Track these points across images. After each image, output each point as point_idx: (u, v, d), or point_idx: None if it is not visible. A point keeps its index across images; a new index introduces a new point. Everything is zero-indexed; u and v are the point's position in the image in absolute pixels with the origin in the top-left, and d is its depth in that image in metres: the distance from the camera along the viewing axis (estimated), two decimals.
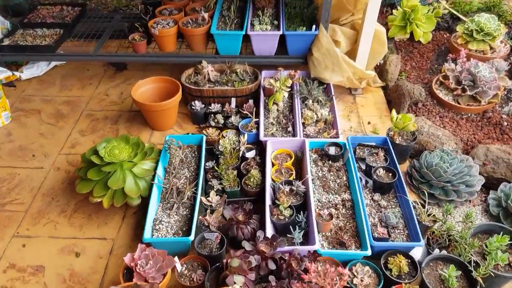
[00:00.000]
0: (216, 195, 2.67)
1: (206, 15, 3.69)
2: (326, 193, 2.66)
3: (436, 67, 3.87)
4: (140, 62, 4.18)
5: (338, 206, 2.58)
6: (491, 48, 3.85)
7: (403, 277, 2.18)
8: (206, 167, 2.91)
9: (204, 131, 3.24)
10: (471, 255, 2.16)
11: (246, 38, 3.62)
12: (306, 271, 2.12)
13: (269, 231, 2.32)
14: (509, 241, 2.21)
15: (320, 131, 3.13)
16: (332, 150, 2.85)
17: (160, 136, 3.38)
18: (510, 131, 3.16)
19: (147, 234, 2.38)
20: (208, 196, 2.66)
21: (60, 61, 4.24)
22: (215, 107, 3.45)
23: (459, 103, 3.34)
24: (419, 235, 2.30)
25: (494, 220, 2.69)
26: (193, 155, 3.03)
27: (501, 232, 2.27)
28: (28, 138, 3.42)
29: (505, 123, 3.22)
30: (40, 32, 4.04)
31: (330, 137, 3.01)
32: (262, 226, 2.40)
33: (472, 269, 2.07)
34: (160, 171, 2.77)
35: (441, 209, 2.71)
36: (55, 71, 4.22)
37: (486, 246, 2.22)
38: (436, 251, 2.25)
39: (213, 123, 3.36)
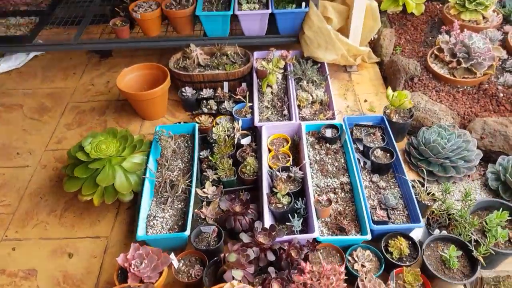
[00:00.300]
0: (212, 185, 2.61)
1: None
2: (325, 177, 2.61)
3: (430, 39, 3.77)
4: (125, 48, 4.04)
5: (337, 190, 2.53)
6: (483, 17, 3.75)
7: (404, 259, 2.17)
8: (201, 156, 2.84)
9: (196, 119, 3.16)
10: (471, 233, 2.14)
11: (235, 18, 3.49)
12: (306, 259, 2.10)
13: (268, 221, 2.28)
14: (508, 216, 2.18)
15: (316, 112, 3.05)
16: (328, 133, 2.79)
17: (151, 125, 3.29)
18: (506, 102, 3.11)
19: (140, 232, 2.32)
20: (204, 188, 2.60)
21: (39, 51, 4.07)
22: (207, 92, 3.35)
23: (454, 76, 3.27)
24: (419, 216, 2.27)
25: (493, 194, 2.67)
26: (186, 144, 2.96)
27: (501, 208, 2.25)
28: (11, 135, 3.30)
29: (501, 95, 3.16)
30: (13, 21, 3.83)
31: (327, 119, 2.94)
32: (260, 216, 2.36)
33: (473, 249, 2.05)
34: (151, 164, 2.69)
35: (440, 187, 2.68)
36: (35, 62, 4.05)
37: (486, 223, 2.20)
38: (436, 231, 2.23)
39: (205, 110, 3.27)
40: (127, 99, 3.29)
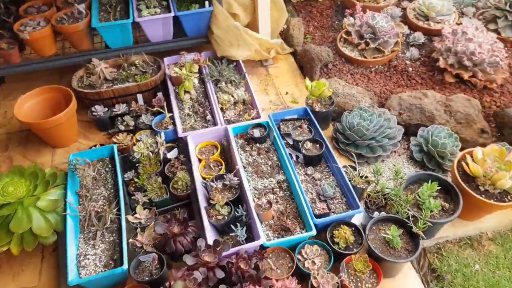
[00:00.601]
0: (144, 209, 2.42)
1: (82, 7, 3.22)
2: (261, 178, 2.54)
3: (337, 23, 3.86)
4: (19, 73, 3.60)
5: (275, 190, 2.48)
6: None
7: (351, 247, 2.18)
8: (126, 179, 2.62)
9: (114, 138, 2.92)
10: (408, 210, 2.21)
11: (138, 25, 3.26)
12: (257, 268, 2.02)
13: (210, 236, 2.15)
14: (437, 186, 2.29)
15: (241, 113, 2.97)
16: (256, 132, 2.72)
17: (65, 152, 2.97)
18: (416, 75, 3.28)
19: (71, 276, 2.07)
20: (135, 213, 2.40)
21: None
22: (120, 108, 3.10)
23: (365, 57, 3.38)
24: (357, 202, 2.30)
25: (419, 165, 2.80)
26: (107, 169, 2.71)
27: (429, 180, 2.35)
28: None
29: (410, 69, 3.33)
30: None
31: (252, 118, 2.87)
32: (202, 231, 2.23)
33: (412, 225, 2.11)
34: (71, 198, 2.42)
35: (371, 167, 2.76)
36: None
37: (419, 197, 2.28)
38: (376, 213, 2.27)
39: (122, 127, 3.02)
40: (30, 129, 2.93)
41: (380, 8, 3.74)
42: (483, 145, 2.86)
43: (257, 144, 2.72)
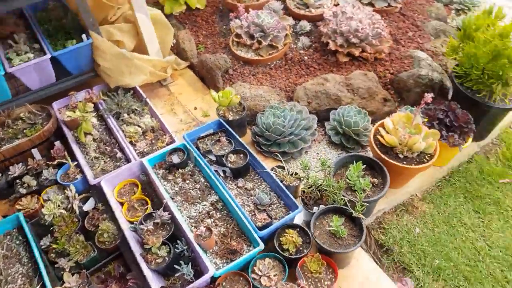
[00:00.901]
0: (73, 274, 2.14)
1: None
2: (193, 205, 2.40)
3: (225, 28, 3.82)
4: None
5: (211, 213, 2.35)
6: None
7: (301, 249, 2.15)
8: (43, 247, 2.31)
9: (17, 205, 2.56)
10: (343, 196, 2.24)
11: (13, 75, 2.88)
12: None
13: (155, 285, 1.97)
14: (363, 165, 2.35)
15: (153, 141, 2.78)
16: (175, 158, 2.56)
17: None
18: (313, 62, 3.36)
19: None
20: (63, 282, 2.11)
21: None
22: (16, 169, 2.73)
23: (262, 56, 3.38)
24: (294, 202, 2.28)
25: (340, 148, 2.88)
26: (18, 242, 2.36)
27: (354, 161, 2.41)
28: None
29: (306, 57, 3.41)
30: None
31: (167, 144, 2.70)
32: (144, 281, 2.03)
33: (351, 209, 2.14)
34: None
35: (298, 162, 2.77)
36: None
37: (349, 180, 2.33)
38: (315, 208, 2.26)
39: (24, 190, 2.64)
40: None
41: (261, 5, 3.77)
42: (389, 113, 3.04)
43: (180, 170, 2.56)
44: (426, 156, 2.44)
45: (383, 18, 3.51)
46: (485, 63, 2.54)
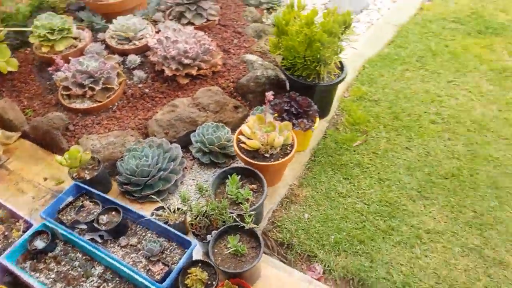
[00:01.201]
0: None
1: None
2: (79, 286, 2.11)
3: (49, 84, 3.45)
4: None
5: (102, 286, 2.10)
6: (75, 38, 3.68)
7: (209, 283, 2.06)
8: None
9: None
10: (231, 213, 2.22)
11: None
12: None
13: None
14: (238, 176, 2.37)
15: (6, 233, 2.36)
16: (39, 243, 2.22)
17: None
18: (156, 92, 3.28)
19: None
20: None
21: None
22: None
23: (100, 101, 3.16)
24: (186, 239, 2.18)
25: (213, 166, 2.87)
26: None
27: (228, 176, 2.41)
28: None
29: (147, 90, 3.30)
30: None
31: (24, 232, 2.30)
32: None
33: (242, 224, 2.13)
34: None
35: (176, 195, 2.68)
36: None
37: (231, 195, 2.32)
38: (208, 236, 2.20)
39: None
40: None
41: (81, 51, 3.52)
42: (244, 118, 3.16)
43: (49, 254, 2.23)
44: (288, 147, 2.59)
45: (206, 33, 3.62)
46: (304, 51, 2.82)
